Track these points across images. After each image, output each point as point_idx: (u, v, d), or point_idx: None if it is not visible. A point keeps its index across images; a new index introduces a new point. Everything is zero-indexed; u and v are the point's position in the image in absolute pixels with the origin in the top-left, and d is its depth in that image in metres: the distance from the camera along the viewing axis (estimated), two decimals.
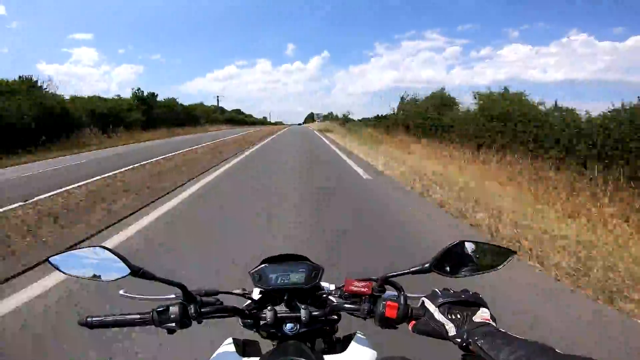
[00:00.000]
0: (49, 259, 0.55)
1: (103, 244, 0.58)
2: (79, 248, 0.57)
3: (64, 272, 0.56)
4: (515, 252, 0.59)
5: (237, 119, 60.13)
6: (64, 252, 0.57)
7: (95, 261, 0.55)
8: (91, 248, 0.55)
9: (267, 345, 0.68)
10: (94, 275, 0.55)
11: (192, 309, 0.57)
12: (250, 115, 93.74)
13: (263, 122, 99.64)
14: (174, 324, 0.56)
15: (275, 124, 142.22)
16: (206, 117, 38.28)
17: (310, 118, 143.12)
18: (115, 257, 0.54)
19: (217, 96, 60.06)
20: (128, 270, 0.54)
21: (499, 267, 0.58)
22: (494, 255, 0.58)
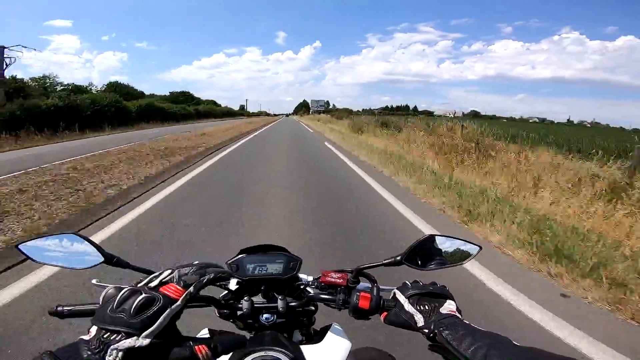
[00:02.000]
0: (18, 246, 0.53)
1: (77, 232, 0.55)
2: (48, 235, 0.55)
3: (34, 260, 0.53)
4: (481, 247, 0.61)
5: (203, 110, 46.78)
6: (33, 238, 0.54)
7: (67, 249, 0.54)
8: (63, 235, 0.54)
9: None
10: (68, 263, 0.54)
11: None
12: (219, 105, 71.55)
13: (233, 113, 74.22)
14: None
15: (256, 114, 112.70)
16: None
17: (303, 107, 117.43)
18: (89, 245, 0.53)
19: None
20: (102, 258, 0.53)
21: (466, 261, 0.61)
22: (462, 250, 0.61)
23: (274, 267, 0.64)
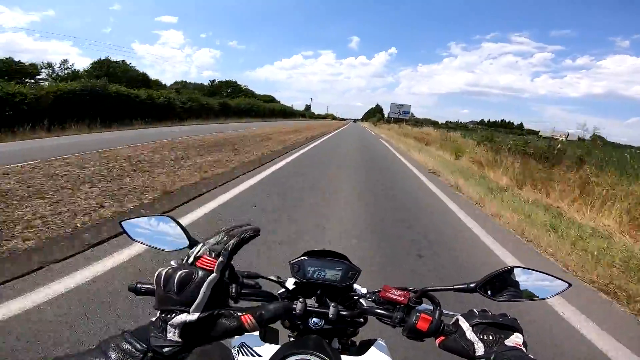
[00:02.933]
0: (121, 222, 0.60)
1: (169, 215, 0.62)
2: (148, 215, 0.61)
3: (129, 236, 0.60)
4: (570, 284, 0.56)
5: (257, 107, 41.53)
6: (136, 217, 0.61)
7: (159, 230, 0.59)
8: (158, 216, 0.59)
9: (284, 335, 0.70)
10: (157, 244, 0.59)
11: (233, 288, 0.61)
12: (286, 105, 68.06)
13: (293, 113, 68.22)
14: None
15: (322, 117, 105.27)
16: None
17: (377, 114, 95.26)
18: (178, 228, 0.57)
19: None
20: (187, 243, 0.56)
21: (547, 297, 0.56)
22: (543, 284, 0.57)
23: (332, 274, 0.66)
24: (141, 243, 0.60)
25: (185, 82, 51.87)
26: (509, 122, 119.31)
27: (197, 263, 0.44)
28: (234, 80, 51.73)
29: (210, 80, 46.81)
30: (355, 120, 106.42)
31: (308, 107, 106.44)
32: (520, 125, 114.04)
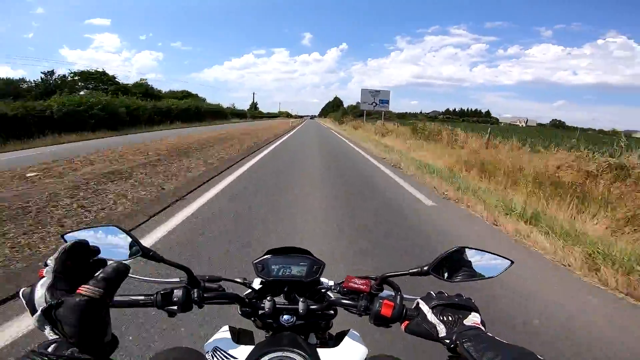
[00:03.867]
0: (64, 236, 0.56)
1: (117, 224, 0.58)
2: (92, 227, 0.59)
3: None
4: (513, 262, 0.60)
5: (189, 107, 33.54)
6: (77, 229, 0.58)
7: (107, 240, 0.56)
8: (104, 227, 0.57)
9: (261, 336, 0.69)
10: (107, 255, 0.55)
11: (195, 293, 0.59)
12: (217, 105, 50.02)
13: (227, 113, 51.05)
14: (176, 307, 0.57)
15: (273, 116, 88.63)
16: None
17: (337, 107, 78.82)
18: (127, 237, 0.55)
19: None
20: (139, 252, 0.55)
21: (495, 275, 0.59)
22: (492, 263, 0.60)
23: (298, 270, 0.66)
24: None
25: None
26: (478, 110, 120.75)
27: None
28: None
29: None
30: (312, 117, 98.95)
31: (255, 106, 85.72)
32: (488, 113, 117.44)
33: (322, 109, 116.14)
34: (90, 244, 0.57)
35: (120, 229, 0.56)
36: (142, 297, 0.58)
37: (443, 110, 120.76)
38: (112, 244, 0.56)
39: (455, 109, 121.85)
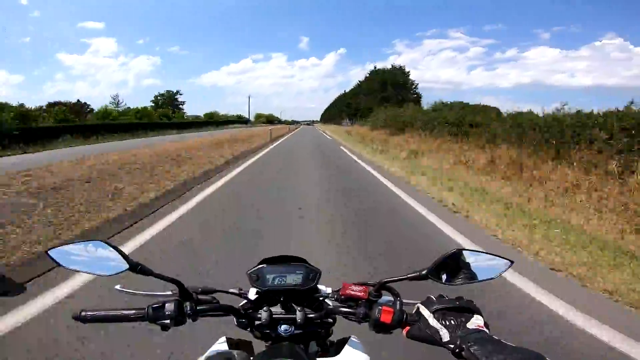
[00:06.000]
0: (48, 252, 0.55)
1: (103, 239, 0.56)
2: (77, 241, 0.57)
3: (62, 266, 0.55)
4: (512, 262, 0.58)
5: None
6: (63, 244, 0.56)
7: (94, 255, 0.55)
8: (90, 242, 0.55)
9: (260, 346, 0.68)
10: (95, 270, 0.55)
11: (187, 306, 0.57)
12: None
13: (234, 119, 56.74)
14: (168, 321, 0.55)
15: (234, 121, 64.95)
16: None
17: (332, 116, 65.20)
18: (115, 252, 0.54)
19: None
20: (127, 266, 0.54)
21: (495, 276, 0.58)
22: (491, 264, 0.58)
23: (294, 278, 0.64)
24: (75, 270, 0.56)
25: None
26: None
27: None
28: None
29: None
30: (310, 123, 79.09)
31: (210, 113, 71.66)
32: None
33: (325, 111, 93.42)
34: (75, 258, 0.55)
35: (107, 243, 0.55)
36: (133, 312, 0.56)
37: None
38: (98, 259, 0.55)
39: None
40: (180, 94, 63.03)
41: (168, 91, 62.49)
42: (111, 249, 0.54)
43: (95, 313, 0.56)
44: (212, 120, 51.95)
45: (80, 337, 1.65)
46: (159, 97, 60.57)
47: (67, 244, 0.56)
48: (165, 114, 47.69)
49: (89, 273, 0.56)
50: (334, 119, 63.90)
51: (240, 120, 67.87)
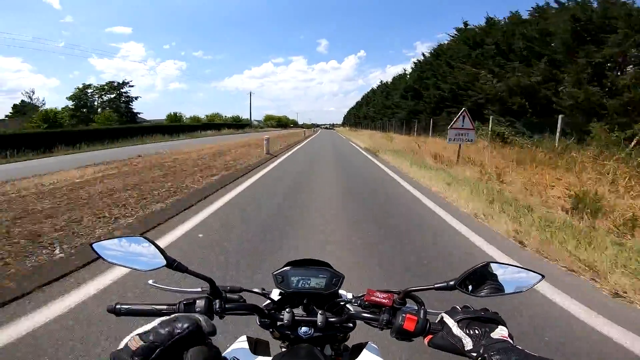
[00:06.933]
0: (92, 245, 0.58)
1: (144, 235, 0.58)
2: (119, 236, 0.60)
3: (103, 259, 0.58)
4: (543, 276, 0.57)
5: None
6: (106, 239, 0.59)
7: (134, 250, 0.57)
8: (132, 237, 0.58)
9: (276, 346, 0.69)
10: (133, 264, 0.57)
11: (217, 304, 0.59)
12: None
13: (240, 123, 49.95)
14: None
15: (284, 125, 66.61)
16: None
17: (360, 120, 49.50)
18: (154, 248, 0.56)
19: None
20: (164, 262, 0.56)
21: (523, 290, 0.57)
22: (519, 277, 0.57)
23: (317, 282, 0.65)
24: (115, 264, 0.58)
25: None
26: None
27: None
28: None
29: None
30: (329, 127, 73.81)
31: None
32: None
33: (347, 113, 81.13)
34: (116, 252, 0.58)
35: (146, 239, 0.57)
36: (165, 307, 0.58)
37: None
38: (137, 254, 0.57)
39: None
40: (131, 86, 41.45)
41: (109, 83, 38.79)
42: (150, 245, 0.56)
43: (129, 306, 0.58)
44: (179, 124, 36.67)
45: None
46: (94, 92, 38.16)
47: (109, 239, 0.59)
48: (109, 118, 33.41)
49: (128, 267, 0.58)
50: (361, 121, 48.05)
51: (237, 124, 53.50)
